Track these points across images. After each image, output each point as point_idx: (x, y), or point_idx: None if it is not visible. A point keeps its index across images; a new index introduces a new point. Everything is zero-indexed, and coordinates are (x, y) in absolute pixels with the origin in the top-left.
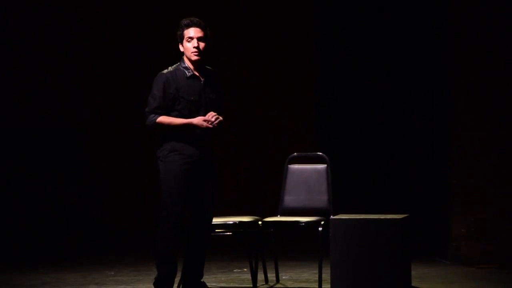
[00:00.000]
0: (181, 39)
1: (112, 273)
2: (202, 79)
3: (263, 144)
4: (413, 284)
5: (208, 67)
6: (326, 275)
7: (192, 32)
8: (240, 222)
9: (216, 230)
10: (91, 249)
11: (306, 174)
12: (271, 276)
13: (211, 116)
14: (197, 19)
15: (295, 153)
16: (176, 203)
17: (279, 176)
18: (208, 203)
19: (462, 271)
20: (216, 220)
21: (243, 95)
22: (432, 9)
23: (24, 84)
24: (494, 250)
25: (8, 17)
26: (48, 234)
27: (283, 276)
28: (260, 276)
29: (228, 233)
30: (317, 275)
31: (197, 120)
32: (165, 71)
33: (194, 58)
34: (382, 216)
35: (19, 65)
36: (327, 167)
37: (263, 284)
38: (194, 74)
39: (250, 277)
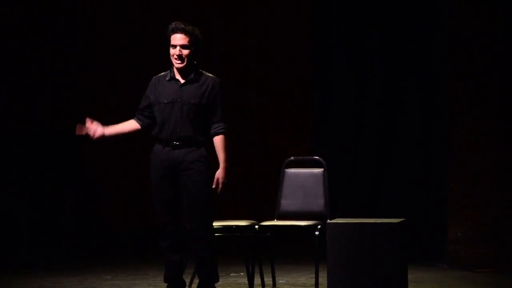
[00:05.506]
0: (168, 43)
1: (109, 277)
2: (180, 82)
3: (260, 148)
4: None
5: (207, 74)
6: (323, 279)
7: (175, 39)
8: (237, 226)
9: None
10: (88, 253)
11: (303, 178)
12: (268, 280)
13: None
14: (183, 25)
15: (292, 157)
16: (157, 211)
17: (276, 180)
18: (192, 204)
19: (459, 275)
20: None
21: (240, 99)
22: (430, 8)
23: (21, 88)
24: (491, 254)
25: (5, 21)
26: (45, 238)
27: (280, 280)
28: (257, 280)
29: (225, 237)
30: (313, 279)
31: None
32: (158, 75)
33: (177, 65)
34: (379, 220)
35: (17, 69)
36: (324, 171)
37: None
38: (173, 77)
39: (246, 281)
